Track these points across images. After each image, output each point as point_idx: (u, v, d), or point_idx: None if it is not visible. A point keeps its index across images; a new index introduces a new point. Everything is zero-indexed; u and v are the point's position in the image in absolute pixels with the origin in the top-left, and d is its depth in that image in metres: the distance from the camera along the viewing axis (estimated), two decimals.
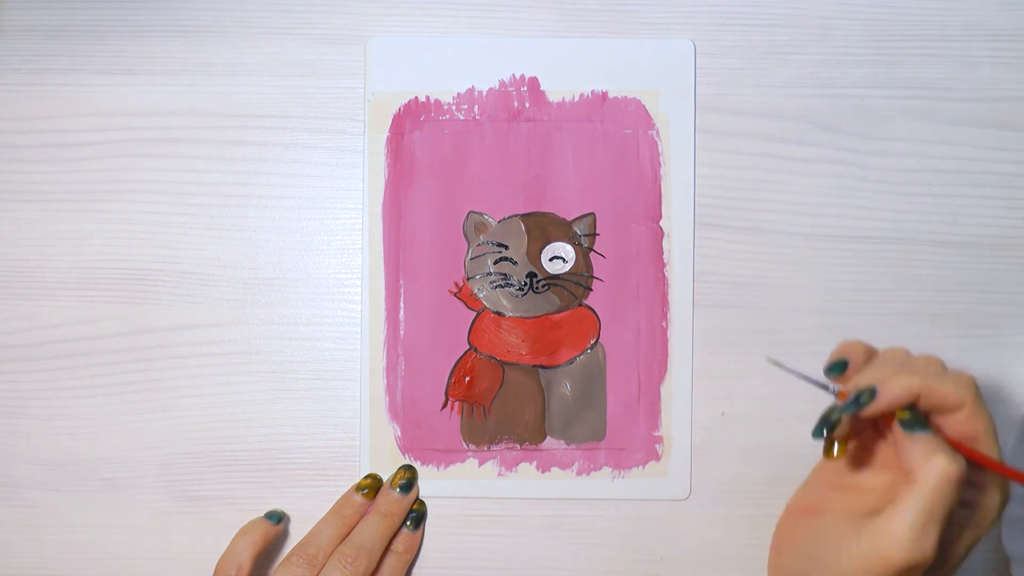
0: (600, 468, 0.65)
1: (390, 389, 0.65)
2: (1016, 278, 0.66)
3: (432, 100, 0.65)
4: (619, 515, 0.65)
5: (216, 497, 0.65)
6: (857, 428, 0.52)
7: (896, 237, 0.66)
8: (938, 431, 0.49)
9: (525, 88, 0.65)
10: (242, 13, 0.66)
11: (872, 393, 0.49)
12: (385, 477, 0.64)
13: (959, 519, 0.50)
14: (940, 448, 0.47)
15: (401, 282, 0.65)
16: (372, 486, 0.64)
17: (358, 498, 0.63)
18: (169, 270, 0.65)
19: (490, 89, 0.65)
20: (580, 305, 0.65)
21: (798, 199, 0.66)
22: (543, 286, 0.65)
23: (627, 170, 0.65)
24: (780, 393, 0.65)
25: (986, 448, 0.48)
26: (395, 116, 0.65)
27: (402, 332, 0.65)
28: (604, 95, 0.65)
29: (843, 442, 0.52)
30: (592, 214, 0.65)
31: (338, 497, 0.64)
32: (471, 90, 0.65)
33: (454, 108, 0.65)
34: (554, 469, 0.65)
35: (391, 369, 0.65)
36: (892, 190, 0.66)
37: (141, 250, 0.65)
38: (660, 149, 0.65)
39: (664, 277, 0.65)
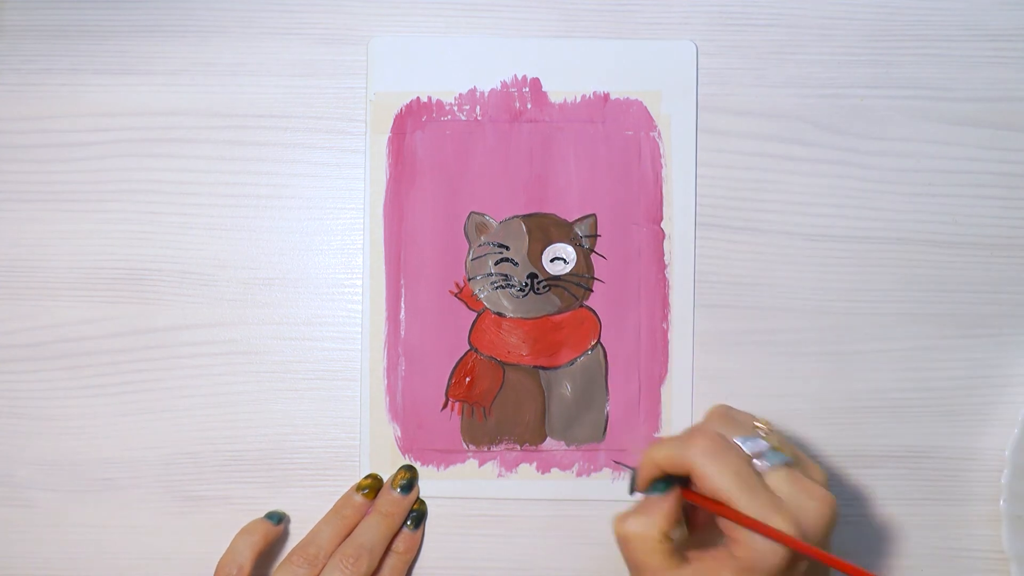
0: (600, 469, 0.65)
1: (390, 389, 0.65)
2: (1016, 278, 0.66)
3: (434, 100, 0.65)
4: None
5: (216, 497, 0.65)
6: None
7: (896, 237, 0.66)
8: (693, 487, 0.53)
9: (527, 89, 0.65)
10: (243, 13, 0.66)
11: (632, 481, 0.55)
12: (385, 477, 0.64)
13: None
14: (633, 512, 0.53)
15: (402, 282, 0.65)
16: (372, 486, 0.64)
17: (358, 498, 0.63)
18: (169, 270, 0.65)
19: (492, 90, 0.65)
20: (581, 306, 0.65)
21: (798, 199, 0.66)
22: (544, 287, 0.65)
23: (628, 171, 0.65)
24: (780, 393, 0.65)
25: (731, 500, 0.50)
26: (397, 116, 0.65)
27: (403, 332, 0.65)
28: (606, 96, 0.65)
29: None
30: (593, 215, 0.65)
31: (338, 497, 0.64)
32: (473, 91, 0.65)
33: (456, 109, 0.65)
34: (554, 470, 0.65)
35: (391, 369, 0.65)
36: (892, 190, 0.66)
37: (141, 250, 0.65)
38: (662, 151, 0.65)
39: (665, 278, 0.65)
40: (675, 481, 0.54)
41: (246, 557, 0.60)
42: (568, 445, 0.65)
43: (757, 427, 0.55)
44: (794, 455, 0.54)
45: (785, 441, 0.55)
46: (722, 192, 0.65)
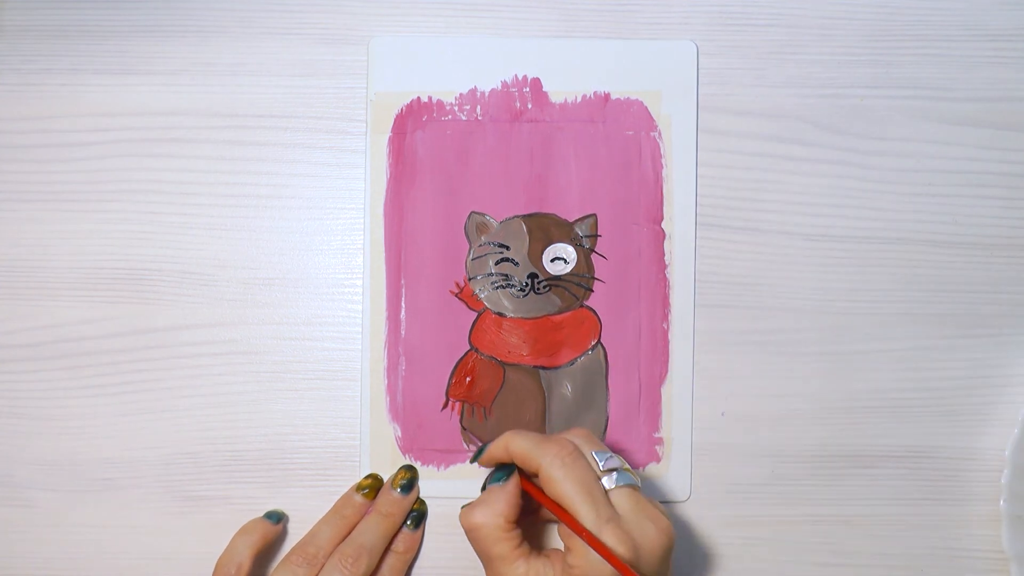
0: None
1: (391, 389, 0.65)
2: (1016, 278, 0.66)
3: (434, 100, 0.65)
4: None
5: (216, 497, 0.65)
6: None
7: (896, 237, 0.66)
8: (540, 489, 0.56)
9: (527, 89, 0.65)
10: (243, 13, 0.66)
11: (480, 451, 0.58)
12: (385, 477, 0.64)
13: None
14: (477, 503, 0.56)
15: (402, 282, 0.65)
16: (372, 486, 0.64)
17: (358, 498, 0.63)
18: (169, 270, 0.65)
19: (492, 90, 0.65)
20: (581, 306, 0.65)
21: (798, 199, 0.66)
22: (544, 287, 0.65)
23: (629, 171, 0.65)
24: (780, 393, 0.65)
25: (572, 508, 0.52)
26: (397, 116, 0.65)
27: (403, 332, 0.65)
28: (606, 96, 0.65)
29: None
30: (594, 215, 0.65)
31: (338, 497, 0.64)
32: (473, 91, 0.65)
33: (456, 108, 0.65)
34: None
35: (392, 369, 0.65)
36: (892, 190, 0.66)
37: (141, 250, 0.65)
38: (662, 150, 0.65)
39: (665, 278, 0.65)
40: (516, 470, 0.57)
41: (245, 556, 0.60)
42: None
43: (614, 455, 0.56)
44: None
45: (635, 474, 0.56)
46: (722, 192, 0.65)
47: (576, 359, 0.65)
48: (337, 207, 0.66)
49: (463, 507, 0.56)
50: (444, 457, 0.65)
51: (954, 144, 0.66)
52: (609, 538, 0.51)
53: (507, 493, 0.55)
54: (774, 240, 0.66)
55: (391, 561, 0.63)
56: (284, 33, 0.66)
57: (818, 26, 0.66)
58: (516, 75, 0.65)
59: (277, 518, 0.63)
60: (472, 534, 0.55)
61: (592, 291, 0.65)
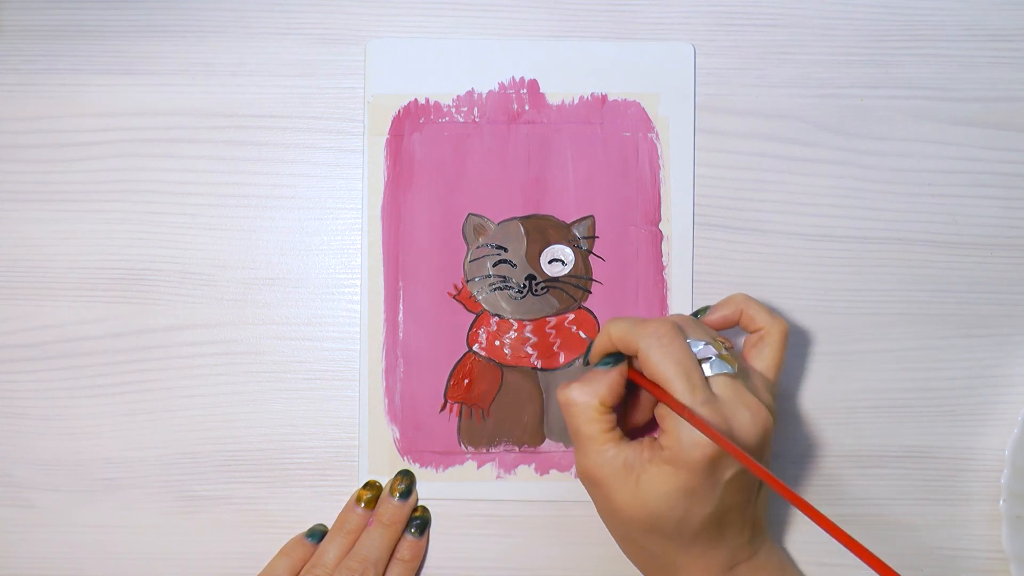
0: None
1: (389, 391, 0.65)
2: (1016, 278, 0.66)
3: (432, 102, 0.65)
4: None
5: (216, 497, 0.65)
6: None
7: (896, 237, 0.66)
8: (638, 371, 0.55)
9: (525, 90, 0.65)
10: (242, 13, 0.66)
11: (587, 350, 0.58)
12: (384, 479, 0.64)
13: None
14: (576, 380, 0.55)
15: (400, 284, 0.65)
16: (372, 496, 0.64)
17: (359, 510, 0.63)
18: (169, 270, 0.65)
19: (490, 91, 0.65)
20: (579, 308, 0.65)
21: (798, 199, 0.66)
22: (542, 289, 0.65)
23: (626, 173, 0.65)
24: (780, 393, 0.65)
25: (668, 385, 0.52)
26: (395, 118, 0.65)
27: (401, 334, 0.65)
28: (604, 98, 0.65)
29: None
30: (591, 217, 0.65)
31: (338, 497, 0.64)
32: (471, 92, 0.65)
33: (454, 110, 0.65)
34: (552, 471, 0.65)
35: (390, 371, 0.65)
36: (892, 190, 0.66)
37: (141, 250, 0.65)
38: (660, 152, 0.65)
39: (663, 280, 0.65)
40: (625, 359, 0.56)
41: None
42: (567, 447, 0.65)
43: (716, 339, 0.56)
44: (744, 372, 0.55)
45: (735, 357, 0.56)
46: (721, 192, 0.65)
47: (574, 361, 0.65)
48: (337, 207, 0.66)
49: (563, 383, 0.56)
50: (442, 459, 0.65)
51: (954, 144, 0.66)
52: (703, 414, 0.51)
53: (609, 376, 0.55)
54: (773, 240, 0.66)
55: (397, 570, 0.63)
56: (283, 33, 0.66)
57: (818, 26, 0.66)
58: (513, 77, 0.65)
59: (319, 536, 0.64)
60: (566, 409, 0.55)
61: (590, 293, 0.65)
